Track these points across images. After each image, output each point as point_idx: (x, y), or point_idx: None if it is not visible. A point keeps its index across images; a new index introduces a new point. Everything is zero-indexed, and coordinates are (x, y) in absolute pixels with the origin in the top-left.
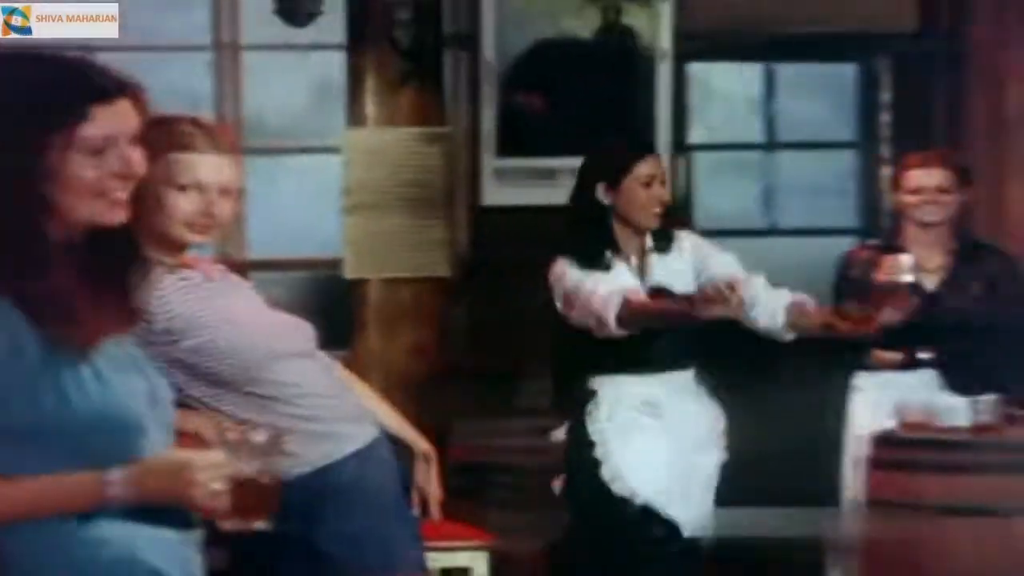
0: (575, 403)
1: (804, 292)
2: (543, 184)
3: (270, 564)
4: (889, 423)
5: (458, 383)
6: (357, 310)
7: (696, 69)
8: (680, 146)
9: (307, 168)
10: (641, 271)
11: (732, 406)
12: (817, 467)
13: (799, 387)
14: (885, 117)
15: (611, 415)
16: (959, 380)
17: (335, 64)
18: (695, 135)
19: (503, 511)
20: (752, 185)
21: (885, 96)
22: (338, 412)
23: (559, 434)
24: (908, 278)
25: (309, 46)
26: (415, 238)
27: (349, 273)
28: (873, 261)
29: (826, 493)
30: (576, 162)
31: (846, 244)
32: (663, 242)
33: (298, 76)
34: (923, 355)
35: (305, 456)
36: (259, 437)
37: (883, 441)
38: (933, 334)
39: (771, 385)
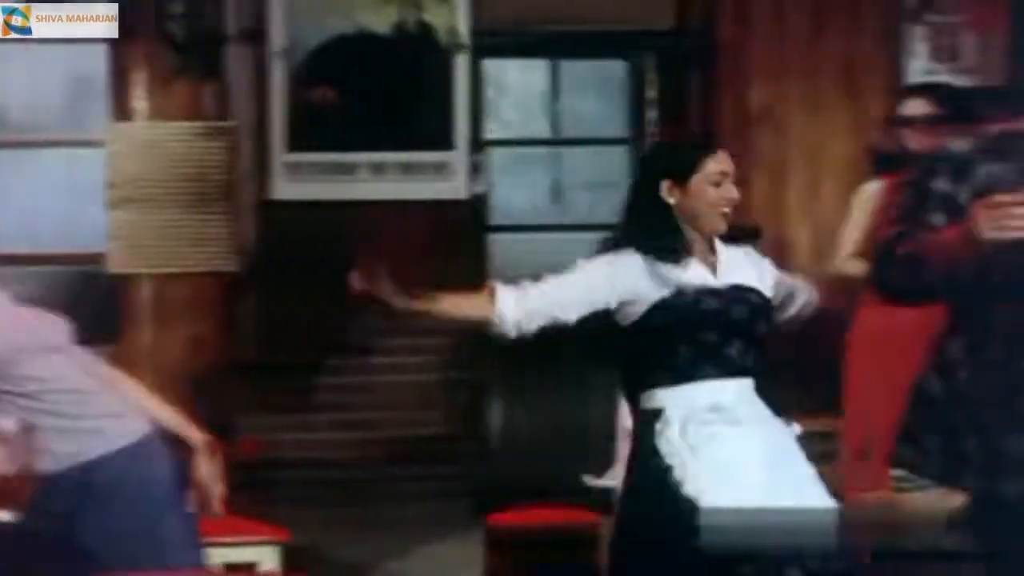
0: (637, 425)
1: None
2: (337, 179)
3: (31, 562)
4: None
5: (246, 377)
6: (128, 305)
7: (490, 65)
8: (477, 142)
9: (62, 162)
10: (712, 269)
11: (508, 398)
12: (592, 460)
13: (576, 380)
14: (651, 113)
15: (683, 431)
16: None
17: (97, 57)
18: (490, 131)
19: (298, 506)
20: (542, 180)
21: (651, 93)
22: (97, 408)
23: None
24: None
25: (65, 39)
26: (194, 233)
27: (113, 267)
28: None
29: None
30: (373, 157)
31: None
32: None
33: (52, 68)
34: None
35: (59, 452)
36: (6, 428)
37: None
38: None
39: (549, 378)
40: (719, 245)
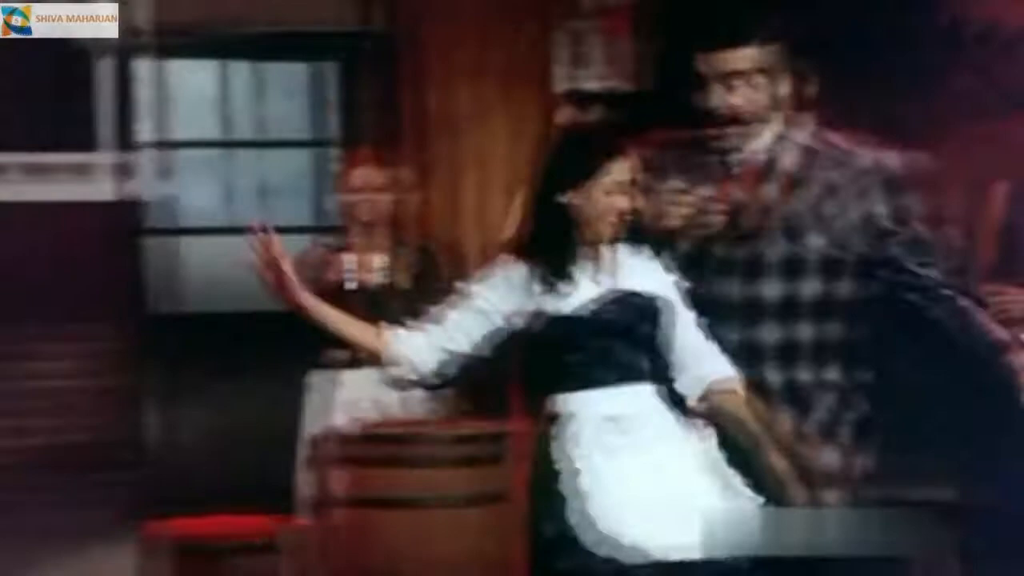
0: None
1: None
2: None
3: None
4: (340, 420)
5: None
6: None
7: (162, 66)
8: (138, 143)
9: None
10: (608, 274)
11: (169, 404)
12: (273, 466)
13: (257, 386)
14: (334, 116)
15: (576, 438)
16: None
17: None
18: (168, 131)
19: None
20: (217, 183)
21: (333, 96)
22: None
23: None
24: (351, 276)
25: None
26: None
27: None
28: (325, 261)
29: (282, 492)
30: (9, 158)
31: (303, 243)
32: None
33: None
34: None
35: None
36: None
37: (334, 438)
38: None
39: (226, 383)
40: (620, 248)
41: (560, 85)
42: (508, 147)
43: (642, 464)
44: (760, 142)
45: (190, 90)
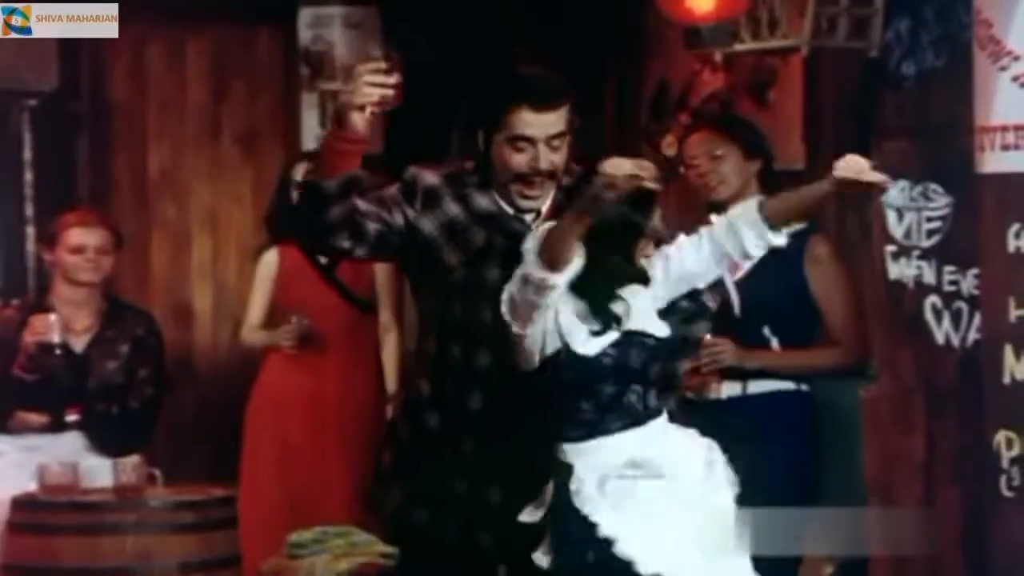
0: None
1: None
2: None
3: None
4: (31, 486)
5: None
6: None
7: None
8: None
9: None
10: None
11: None
12: None
13: None
14: (28, 175)
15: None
16: (103, 441)
17: None
18: None
19: None
20: None
21: (27, 155)
22: None
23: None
24: (55, 338)
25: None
26: None
27: None
28: (23, 321)
29: None
30: None
31: None
32: None
33: None
34: (70, 416)
35: None
36: None
37: (22, 504)
38: (79, 395)
39: None
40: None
41: (309, 146)
42: (244, 208)
43: (666, 501)
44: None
45: None
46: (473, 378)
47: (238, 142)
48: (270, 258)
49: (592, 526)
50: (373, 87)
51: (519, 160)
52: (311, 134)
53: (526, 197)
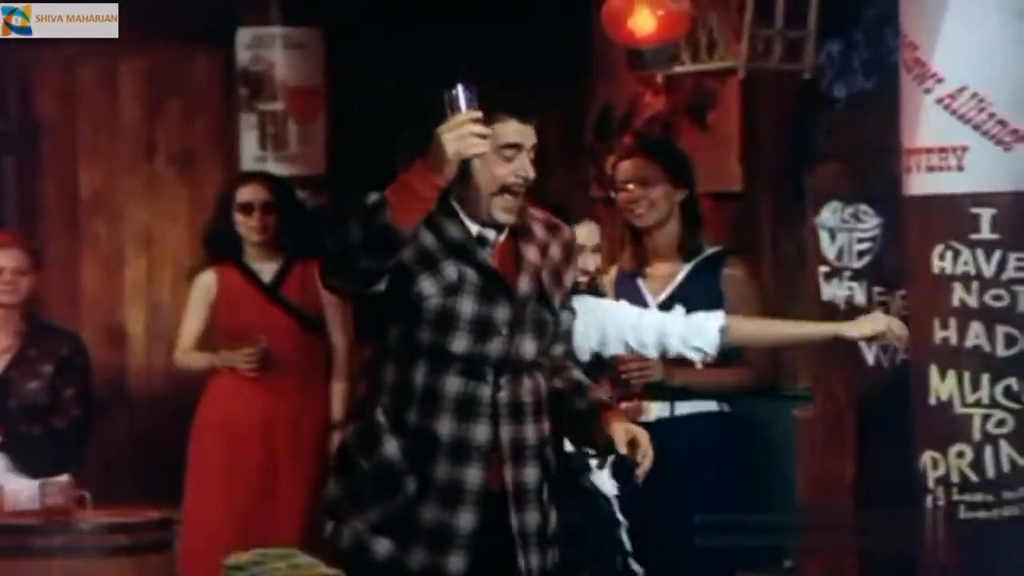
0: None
1: None
2: None
3: None
4: None
5: None
6: None
7: None
8: None
9: None
10: None
11: None
12: None
13: None
14: None
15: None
16: (28, 462)
17: None
18: None
19: None
20: None
21: None
22: None
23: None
24: None
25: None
26: None
27: None
28: None
29: None
30: None
31: None
32: None
33: None
34: None
35: None
36: None
37: None
38: (1, 416)
39: None
40: None
41: (248, 166)
42: (179, 229)
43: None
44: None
45: None
46: (440, 405)
47: (174, 162)
48: (207, 279)
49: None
50: (479, 138)
51: (507, 169)
52: (250, 154)
53: (507, 211)
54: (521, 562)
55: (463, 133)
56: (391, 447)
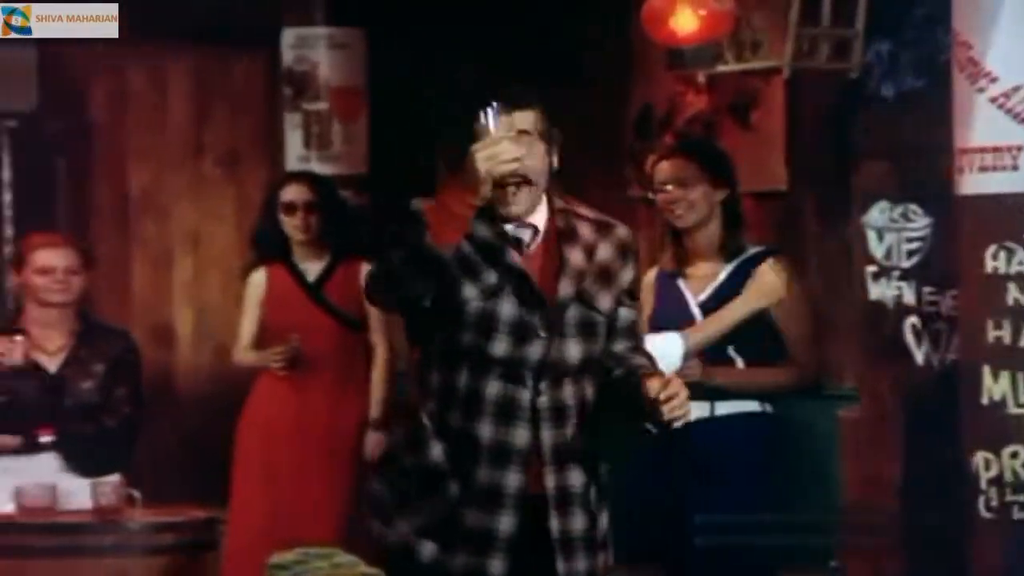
0: None
1: None
2: None
3: None
4: (7, 508)
5: None
6: None
7: None
8: None
9: None
10: None
11: None
12: None
13: None
14: (6, 196)
15: None
16: (80, 462)
17: None
18: None
19: None
20: None
21: (5, 175)
22: None
23: None
24: (18, 359)
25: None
26: None
27: None
28: None
29: None
30: None
31: None
32: None
33: None
34: (43, 438)
35: None
36: None
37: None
38: (54, 416)
39: None
40: None
41: (292, 166)
42: (230, 227)
43: None
44: (539, 213)
45: None
46: (481, 409)
47: (220, 162)
48: (258, 278)
49: None
50: (513, 159)
51: (488, 161)
52: (294, 154)
53: (509, 203)
54: (561, 566)
55: (494, 152)
56: (436, 451)
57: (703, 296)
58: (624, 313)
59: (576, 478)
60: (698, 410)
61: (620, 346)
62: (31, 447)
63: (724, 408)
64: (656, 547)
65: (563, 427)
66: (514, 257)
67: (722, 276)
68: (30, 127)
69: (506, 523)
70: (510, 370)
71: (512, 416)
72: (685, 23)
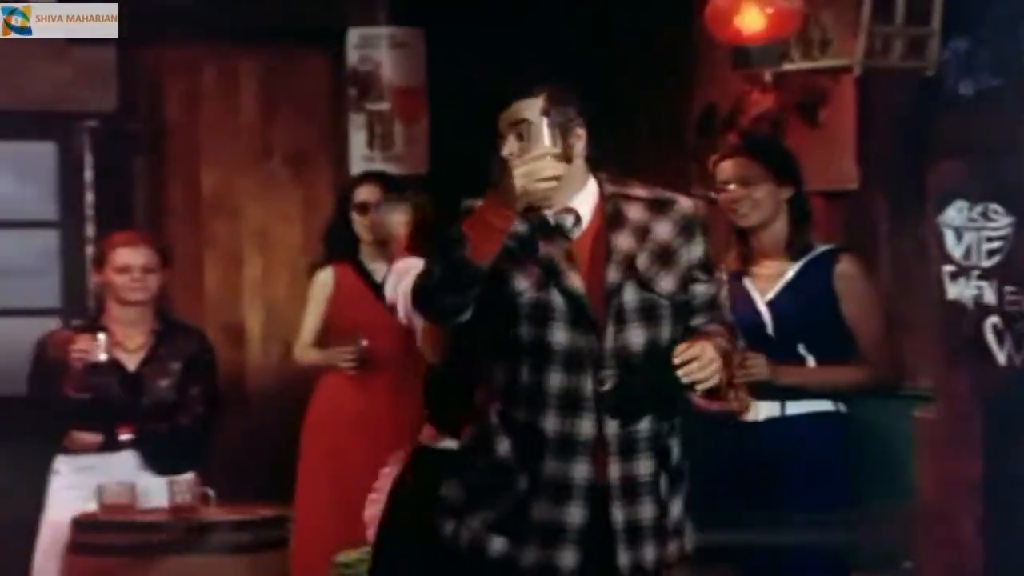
0: None
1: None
2: None
3: None
4: (89, 507)
5: None
6: None
7: None
8: None
9: None
10: None
11: None
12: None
13: None
14: (88, 196)
15: None
16: (156, 460)
17: None
18: None
19: None
20: None
21: (87, 175)
22: None
23: None
24: (101, 357)
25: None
26: None
27: None
28: (70, 340)
29: None
30: None
31: (49, 325)
32: None
33: None
34: (123, 435)
35: None
36: None
37: (82, 525)
38: (133, 414)
39: None
40: None
41: (357, 166)
42: (297, 227)
43: None
44: (581, 198)
45: None
46: (545, 401)
47: (288, 162)
48: (325, 277)
49: None
50: (552, 177)
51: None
52: (358, 154)
53: (531, 193)
54: (623, 557)
55: (533, 169)
56: (503, 446)
57: (770, 295)
58: (700, 289)
59: (644, 467)
60: (768, 409)
61: (698, 321)
62: (112, 445)
63: (795, 408)
64: (726, 546)
65: (629, 417)
66: (557, 245)
67: (789, 274)
68: (110, 127)
69: (576, 515)
70: (570, 360)
71: (575, 407)
72: (751, 22)
